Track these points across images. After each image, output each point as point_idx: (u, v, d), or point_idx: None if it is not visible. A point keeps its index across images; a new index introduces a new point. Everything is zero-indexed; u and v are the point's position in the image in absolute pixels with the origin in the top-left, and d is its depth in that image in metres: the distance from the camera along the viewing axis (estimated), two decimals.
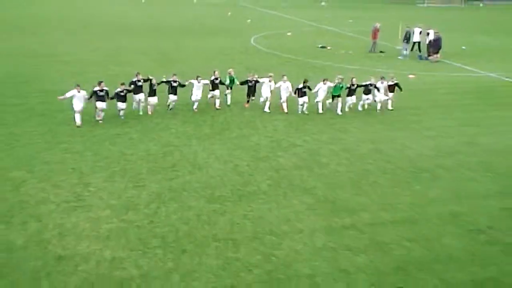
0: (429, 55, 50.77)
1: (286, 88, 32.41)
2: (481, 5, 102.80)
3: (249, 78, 33.19)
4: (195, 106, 33.02)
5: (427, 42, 51.53)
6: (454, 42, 53.34)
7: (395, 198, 21.13)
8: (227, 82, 34.13)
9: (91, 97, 28.74)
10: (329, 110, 33.86)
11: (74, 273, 15.54)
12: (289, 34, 60.75)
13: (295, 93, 32.08)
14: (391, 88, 35.03)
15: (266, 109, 32.64)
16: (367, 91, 33.86)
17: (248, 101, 34.04)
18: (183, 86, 31.90)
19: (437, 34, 50.54)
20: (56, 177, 22.02)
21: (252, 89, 33.54)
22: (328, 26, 68.24)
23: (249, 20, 64.89)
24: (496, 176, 24.81)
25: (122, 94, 29.85)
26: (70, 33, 63.54)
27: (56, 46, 54.44)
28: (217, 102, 33.67)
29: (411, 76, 38.23)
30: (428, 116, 34.46)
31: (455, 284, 15.71)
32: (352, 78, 33.04)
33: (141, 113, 31.99)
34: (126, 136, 27.96)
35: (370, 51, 52.73)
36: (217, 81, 33.20)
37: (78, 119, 28.43)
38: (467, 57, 52.35)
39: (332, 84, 32.52)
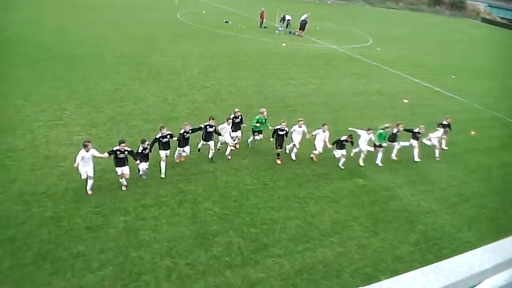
0: (296, 32, 51.82)
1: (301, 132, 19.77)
2: (329, 2, 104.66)
3: (278, 127, 19.33)
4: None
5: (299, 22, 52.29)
6: (312, 24, 54.47)
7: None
8: (256, 124, 20.06)
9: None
10: None
11: (56, 167, 16.26)
12: (203, 12, 59.99)
13: (333, 144, 20.07)
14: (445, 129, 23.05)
15: (293, 157, 20.18)
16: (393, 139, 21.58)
17: (278, 156, 19.79)
18: (219, 134, 18.79)
19: (305, 17, 51.59)
20: (43, 104, 21.85)
21: (280, 138, 19.42)
22: (230, 8, 67.31)
23: (176, 1, 63.24)
24: (331, 110, 26.51)
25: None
26: None
27: None
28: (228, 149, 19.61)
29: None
30: (291, 70, 35.76)
31: None
32: (398, 124, 21.49)
33: None
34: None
35: (260, 27, 53.10)
36: (237, 120, 19.93)
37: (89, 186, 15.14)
38: (319, 35, 53.65)
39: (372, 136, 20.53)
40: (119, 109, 22.55)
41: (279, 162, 19.35)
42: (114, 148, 15.15)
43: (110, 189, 15.23)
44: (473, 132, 26.47)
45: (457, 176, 20.61)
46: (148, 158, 16.13)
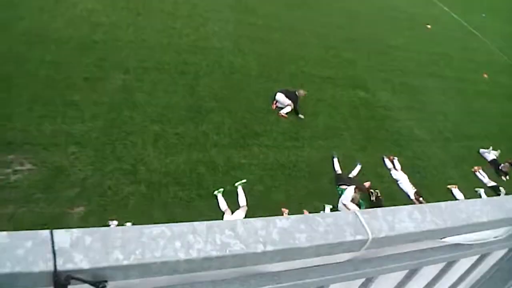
0: None
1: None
2: None
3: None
4: None
5: None
6: None
7: None
8: None
9: None
10: None
11: (65, 13, 15.50)
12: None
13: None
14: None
15: None
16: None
17: None
18: None
19: None
20: None
21: None
22: None
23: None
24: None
25: None
26: None
27: None
28: None
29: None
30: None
31: None
32: None
33: None
34: None
35: None
36: None
37: None
38: None
39: None
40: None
41: None
42: None
43: (114, 45, 14.74)
44: (485, 75, 25.65)
45: (457, 114, 20.26)
46: None
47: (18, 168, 9.71)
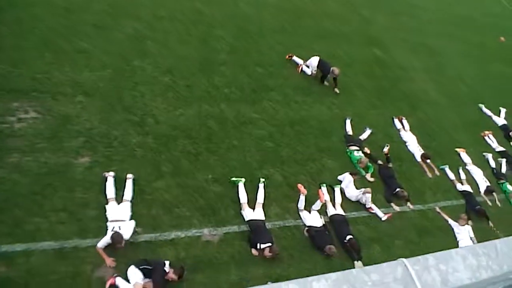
0: None
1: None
2: None
3: None
4: None
5: None
6: None
7: None
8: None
9: None
10: None
11: None
12: None
13: None
14: None
15: None
16: None
17: None
18: None
19: None
20: None
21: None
22: None
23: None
24: None
25: None
26: None
27: None
28: None
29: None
30: None
31: None
32: None
33: None
34: None
35: None
36: None
37: None
38: None
39: None
40: None
41: None
42: None
43: None
44: (502, 38, 24.66)
45: (474, 78, 19.59)
46: None
47: (23, 116, 9.46)
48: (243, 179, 10.51)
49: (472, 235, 12.30)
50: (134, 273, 7.91)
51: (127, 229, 8.52)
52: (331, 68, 14.26)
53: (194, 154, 10.70)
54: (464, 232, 12.25)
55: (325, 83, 14.57)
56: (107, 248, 8.23)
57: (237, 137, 11.62)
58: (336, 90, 14.53)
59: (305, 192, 10.90)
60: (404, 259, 1.72)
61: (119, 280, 7.90)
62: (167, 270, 8.06)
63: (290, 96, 13.54)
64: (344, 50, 16.83)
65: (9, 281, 7.43)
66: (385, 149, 13.21)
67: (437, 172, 13.89)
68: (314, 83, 14.42)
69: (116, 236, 8.22)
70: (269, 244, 9.43)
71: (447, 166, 14.18)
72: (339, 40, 17.34)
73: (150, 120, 10.83)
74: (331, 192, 11.45)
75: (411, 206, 12.49)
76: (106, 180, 9.07)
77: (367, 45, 17.98)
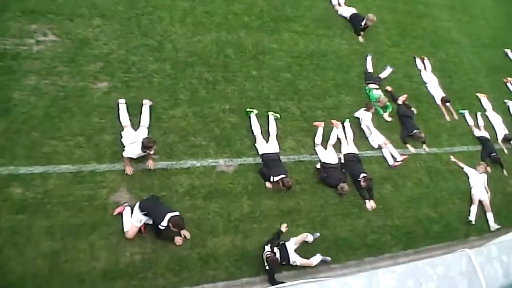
0: None
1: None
2: None
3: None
4: None
5: None
6: None
7: None
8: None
9: None
10: None
11: None
12: None
13: None
14: None
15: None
16: None
17: None
18: None
19: None
20: None
21: None
22: None
23: None
24: None
25: None
26: None
27: None
28: None
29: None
30: None
31: None
32: None
33: None
34: None
35: None
36: None
37: None
38: None
39: None
40: None
41: None
42: None
43: None
44: None
45: (500, 20, 18.69)
46: None
47: (41, 38, 9.18)
48: (256, 111, 10.39)
49: (486, 184, 12.29)
50: (137, 213, 7.92)
51: None
52: (367, 16, 13.50)
53: (211, 82, 10.52)
54: (479, 180, 12.21)
55: (360, 39, 13.82)
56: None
57: (255, 67, 11.36)
58: (361, 38, 13.79)
59: (322, 124, 10.85)
60: (468, 251, 1.64)
61: (126, 211, 8.01)
62: (161, 228, 7.83)
63: (310, 27, 13.05)
64: None
65: (26, 202, 7.54)
66: (388, 88, 12.89)
67: (455, 116, 13.61)
68: (336, 16, 13.86)
69: (147, 141, 8.28)
70: (283, 175, 9.44)
71: (467, 111, 13.87)
72: None
73: (168, 46, 10.55)
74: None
75: (426, 149, 12.38)
76: (118, 108, 8.98)
77: None
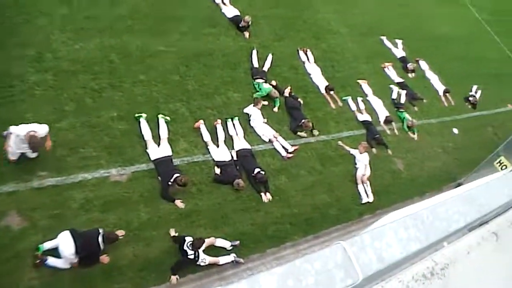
0: None
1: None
2: None
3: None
4: None
5: None
6: None
7: None
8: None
9: None
10: None
11: None
12: None
13: None
14: None
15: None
16: None
17: None
18: None
19: None
20: None
21: None
22: None
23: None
24: None
25: None
26: None
27: None
28: None
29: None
30: None
31: None
32: None
33: None
34: None
35: None
36: None
37: None
38: None
39: None
40: None
41: None
42: None
43: None
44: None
45: (377, 9, 19.78)
46: None
47: None
48: (145, 115, 10.26)
49: (367, 162, 13.06)
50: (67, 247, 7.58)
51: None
52: (244, 18, 13.86)
53: (97, 90, 10.22)
54: (362, 159, 12.96)
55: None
56: None
57: (142, 71, 11.20)
58: (246, 34, 14.04)
59: (201, 122, 10.96)
60: (343, 243, 1.83)
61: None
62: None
63: (196, 27, 13.07)
64: None
65: None
66: (273, 82, 13.21)
67: (340, 103, 14.32)
68: (220, 13, 13.99)
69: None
70: (177, 174, 9.45)
71: (350, 97, 14.64)
72: None
73: (48, 55, 10.06)
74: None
75: (316, 133, 12.98)
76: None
77: None
